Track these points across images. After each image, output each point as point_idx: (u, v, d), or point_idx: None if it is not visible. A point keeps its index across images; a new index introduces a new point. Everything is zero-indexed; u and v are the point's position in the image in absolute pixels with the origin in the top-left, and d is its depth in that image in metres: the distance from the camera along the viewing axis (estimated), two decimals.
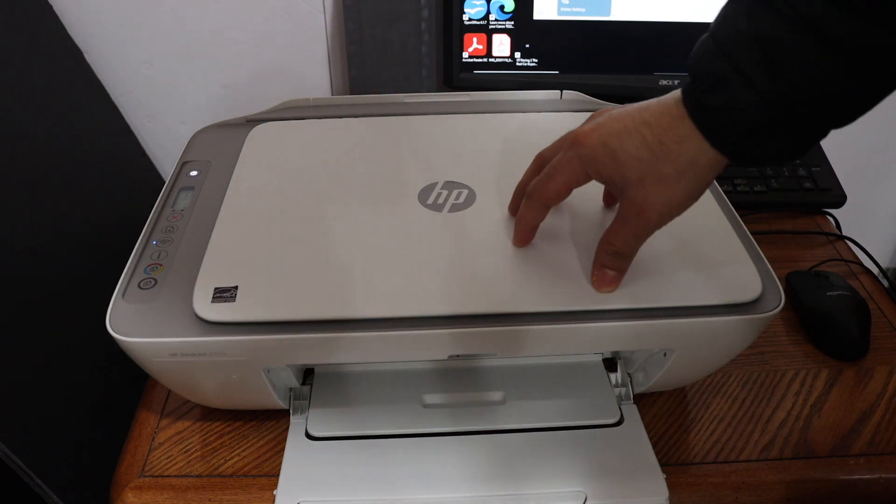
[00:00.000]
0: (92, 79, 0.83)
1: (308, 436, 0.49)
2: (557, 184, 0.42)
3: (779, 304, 0.44)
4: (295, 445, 0.48)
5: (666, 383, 0.52)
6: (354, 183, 0.52)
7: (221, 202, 0.50)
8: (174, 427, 0.53)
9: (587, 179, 0.41)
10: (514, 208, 0.48)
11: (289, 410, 0.51)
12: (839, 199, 0.75)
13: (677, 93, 0.37)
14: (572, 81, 0.80)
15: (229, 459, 0.50)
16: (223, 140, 0.59)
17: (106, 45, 0.83)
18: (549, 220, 0.48)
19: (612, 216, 0.49)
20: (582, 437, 0.48)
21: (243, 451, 0.51)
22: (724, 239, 0.48)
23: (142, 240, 0.49)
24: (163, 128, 0.90)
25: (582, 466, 0.46)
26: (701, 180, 0.38)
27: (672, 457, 0.51)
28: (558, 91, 0.66)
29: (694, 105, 0.36)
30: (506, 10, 0.78)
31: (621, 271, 0.43)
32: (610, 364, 0.54)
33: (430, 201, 0.50)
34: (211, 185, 0.54)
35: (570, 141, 0.41)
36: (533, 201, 0.44)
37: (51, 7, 0.78)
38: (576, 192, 0.52)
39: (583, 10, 0.78)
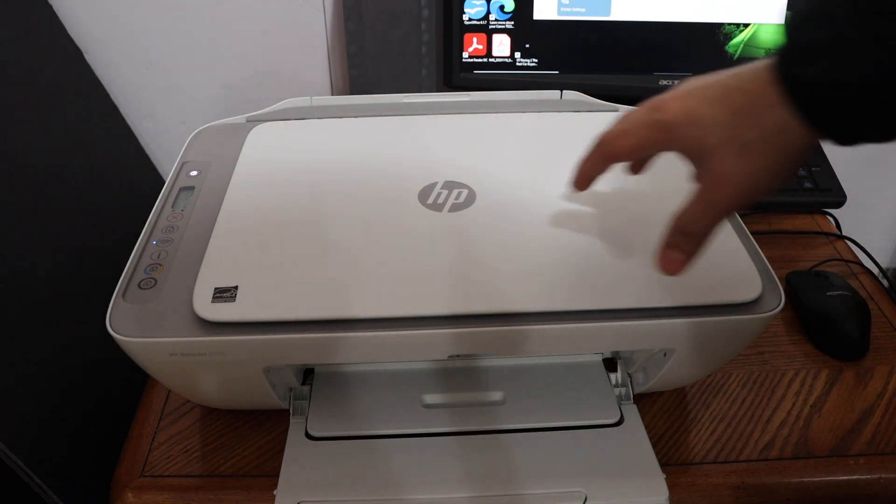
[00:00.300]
0: (92, 79, 0.83)
1: (308, 436, 0.49)
2: (626, 143, 0.39)
3: (779, 304, 0.44)
4: (295, 445, 0.48)
5: (666, 383, 0.52)
6: (354, 183, 0.52)
7: (221, 202, 0.50)
8: (174, 427, 0.53)
9: (659, 148, 0.38)
10: None
11: (289, 410, 0.51)
12: (839, 199, 0.75)
13: (772, 57, 0.34)
14: (572, 81, 0.80)
15: (229, 459, 0.50)
16: (223, 140, 0.59)
17: (106, 45, 0.83)
18: (552, 220, 0.48)
19: (618, 217, 0.49)
20: (582, 437, 0.48)
21: (243, 451, 0.51)
22: (724, 239, 0.48)
23: (142, 240, 0.49)
24: (163, 128, 0.90)
25: (582, 466, 0.46)
26: (790, 154, 0.34)
27: (672, 457, 0.51)
28: (558, 91, 0.66)
29: (787, 74, 0.32)
30: (506, 10, 0.78)
31: (687, 254, 0.39)
32: (610, 364, 0.54)
33: (430, 201, 0.50)
34: (211, 185, 0.54)
35: (652, 105, 0.38)
36: (597, 151, 0.41)
37: (51, 7, 0.78)
38: (579, 192, 0.51)
39: (583, 10, 0.78)
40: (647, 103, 0.39)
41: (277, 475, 0.46)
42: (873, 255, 0.72)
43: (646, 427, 0.49)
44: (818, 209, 0.77)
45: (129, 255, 0.47)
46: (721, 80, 0.36)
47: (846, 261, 0.70)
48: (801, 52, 0.32)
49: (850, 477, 0.50)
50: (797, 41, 0.32)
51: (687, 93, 0.37)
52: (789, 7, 0.33)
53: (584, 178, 0.42)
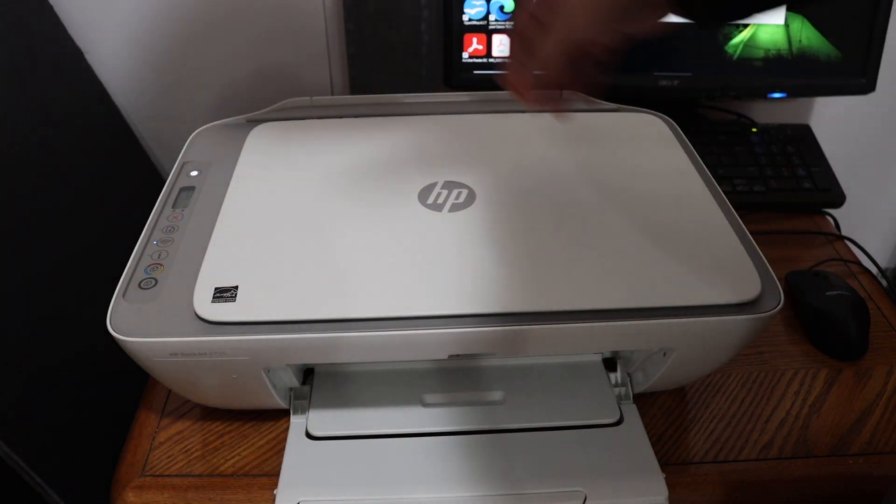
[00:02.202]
0: (92, 79, 0.83)
1: (308, 435, 0.49)
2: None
3: (778, 304, 0.44)
4: (295, 445, 0.48)
5: (666, 383, 0.52)
6: (354, 183, 0.52)
7: (221, 202, 0.51)
8: (174, 427, 0.53)
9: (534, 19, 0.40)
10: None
11: (289, 410, 0.51)
12: (838, 199, 0.75)
13: None
14: None
15: (229, 459, 0.50)
16: (223, 140, 0.59)
17: (106, 45, 0.83)
18: (552, 220, 0.48)
19: (618, 217, 0.49)
20: (582, 437, 0.48)
21: (243, 450, 0.51)
22: (723, 239, 0.48)
23: (142, 240, 0.49)
24: (163, 128, 0.90)
25: (582, 466, 0.46)
26: None
27: (672, 456, 0.51)
28: (558, 91, 0.66)
29: None
30: (506, 10, 0.78)
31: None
32: (610, 364, 0.54)
33: (430, 201, 0.50)
34: (211, 185, 0.54)
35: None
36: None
37: (51, 7, 0.78)
38: (579, 192, 0.52)
39: None
40: None
41: (277, 475, 0.46)
42: (872, 255, 0.72)
43: (645, 427, 0.49)
44: (817, 209, 0.77)
45: (129, 255, 0.47)
46: None
47: (845, 261, 0.70)
48: None
49: (848, 476, 0.50)
50: None
51: None
52: None
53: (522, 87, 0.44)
